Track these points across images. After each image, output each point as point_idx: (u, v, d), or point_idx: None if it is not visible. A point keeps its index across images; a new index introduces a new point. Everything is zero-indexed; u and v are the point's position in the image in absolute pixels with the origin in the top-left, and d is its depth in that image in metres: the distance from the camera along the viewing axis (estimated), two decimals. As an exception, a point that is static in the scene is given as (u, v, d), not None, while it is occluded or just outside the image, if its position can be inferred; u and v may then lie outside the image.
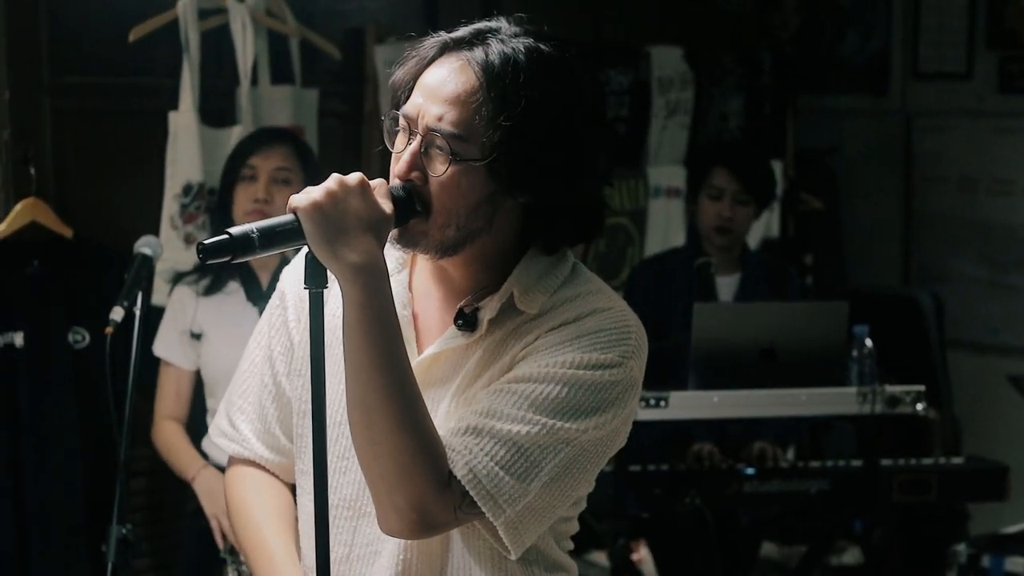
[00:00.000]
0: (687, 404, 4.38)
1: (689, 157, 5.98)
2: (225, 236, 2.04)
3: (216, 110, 4.79)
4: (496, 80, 2.14)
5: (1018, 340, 6.80)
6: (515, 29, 2.23)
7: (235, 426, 2.52)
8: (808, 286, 6.27)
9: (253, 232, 2.05)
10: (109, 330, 3.52)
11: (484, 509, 2.12)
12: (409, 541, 2.25)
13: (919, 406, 4.48)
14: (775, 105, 6.73)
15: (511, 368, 2.21)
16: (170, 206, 4.67)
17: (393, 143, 2.24)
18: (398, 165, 2.20)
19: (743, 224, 4.97)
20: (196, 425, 4.39)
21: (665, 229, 6.16)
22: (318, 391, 2.07)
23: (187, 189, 4.67)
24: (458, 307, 2.26)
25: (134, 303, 3.56)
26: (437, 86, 2.18)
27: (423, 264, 2.34)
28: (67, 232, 4.39)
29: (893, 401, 4.46)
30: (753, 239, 6.07)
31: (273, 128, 4.68)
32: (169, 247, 4.45)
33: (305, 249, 2.10)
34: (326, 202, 2.06)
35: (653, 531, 4.96)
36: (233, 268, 4.31)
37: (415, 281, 2.36)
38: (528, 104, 2.13)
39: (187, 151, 4.67)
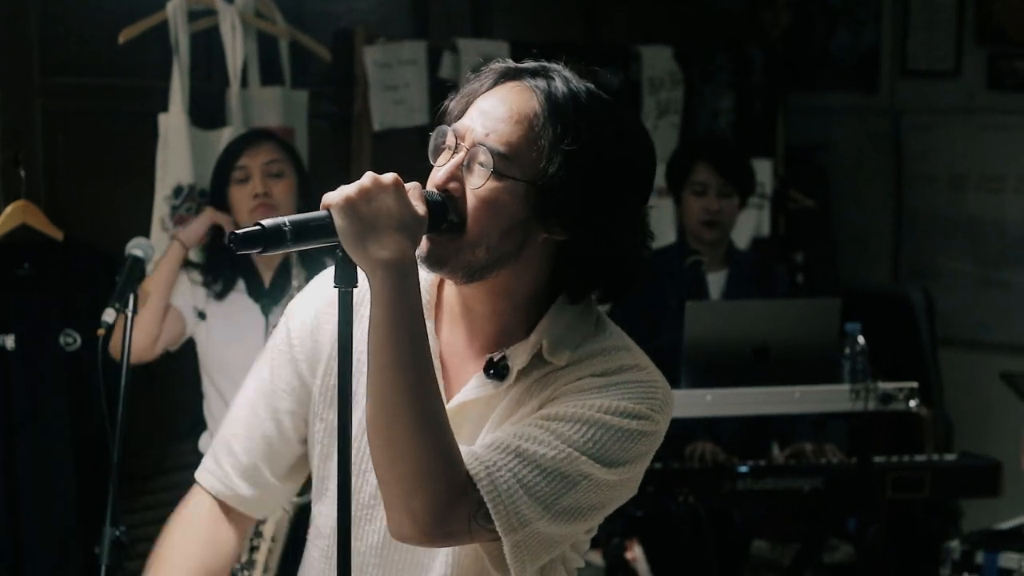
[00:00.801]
0: (680, 403, 4.29)
1: (671, 156, 5.98)
2: (257, 227, 2.01)
3: (206, 112, 4.79)
4: (558, 109, 2.13)
5: (1009, 337, 6.80)
6: (574, 73, 2.22)
7: (218, 461, 2.46)
8: (797, 284, 6.26)
9: (285, 225, 2.02)
10: (101, 332, 3.52)
11: (497, 523, 2.09)
12: None
13: (912, 403, 4.48)
14: (765, 103, 6.74)
15: (539, 410, 2.20)
16: (160, 208, 4.66)
17: (436, 158, 2.21)
18: (438, 175, 2.17)
19: (730, 216, 5.00)
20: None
21: (656, 228, 6.08)
22: (344, 402, 2.04)
23: (177, 191, 4.67)
24: (487, 357, 2.25)
25: (126, 305, 3.57)
26: (492, 107, 2.17)
27: (448, 307, 2.32)
28: (58, 234, 4.39)
29: (886, 398, 4.46)
30: (744, 237, 6.08)
31: (255, 129, 4.70)
32: (160, 249, 4.44)
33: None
34: (359, 198, 2.04)
35: (647, 530, 4.95)
36: (237, 267, 4.32)
37: (441, 327, 2.33)
38: (585, 140, 2.12)
39: (177, 153, 4.66)
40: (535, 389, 2.23)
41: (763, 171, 6.26)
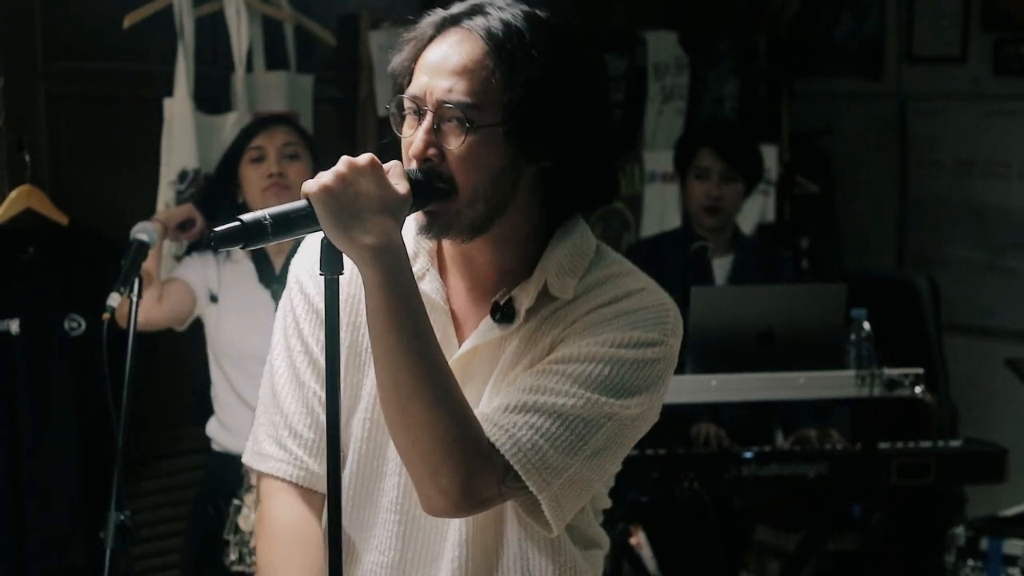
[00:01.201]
0: (685, 388, 4.37)
1: (677, 142, 5.97)
2: (237, 223, 2.00)
3: (211, 96, 4.78)
4: (502, 44, 2.13)
5: (1014, 323, 6.79)
6: (508, 1, 2.21)
7: (285, 447, 2.33)
8: (802, 270, 6.26)
9: (266, 219, 2.02)
10: (106, 316, 3.53)
11: (528, 482, 2.10)
12: (463, 540, 2.24)
13: (918, 389, 4.48)
14: (770, 89, 6.72)
15: (550, 352, 2.19)
16: (165, 193, 4.66)
17: (401, 129, 2.20)
18: (412, 147, 2.16)
19: (732, 203, 4.98)
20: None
21: (661, 214, 6.15)
22: (332, 386, 2.04)
23: (182, 176, 4.66)
24: (492, 300, 2.24)
25: (131, 289, 3.57)
26: (441, 61, 2.15)
27: (449, 258, 2.30)
28: (62, 219, 4.39)
29: (892, 384, 4.46)
30: (749, 223, 6.06)
31: (270, 114, 4.68)
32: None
33: (310, 237, 2.07)
34: (336, 185, 2.02)
35: (652, 515, 4.95)
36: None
37: (446, 276, 2.31)
38: (538, 66, 2.12)
39: (182, 138, 4.66)
40: (545, 328, 2.22)
41: (768, 157, 6.23)
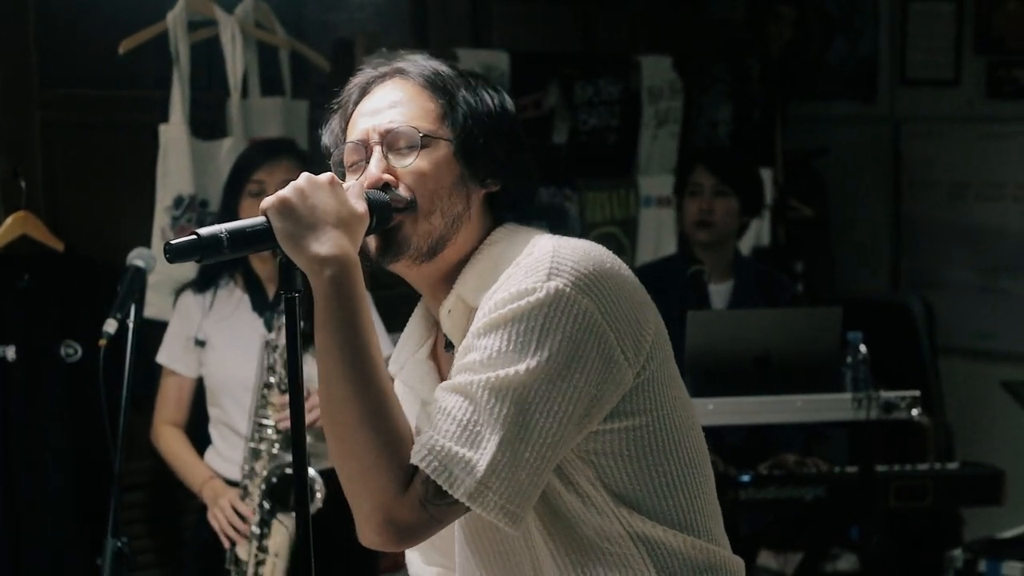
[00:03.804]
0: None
1: (678, 166, 5.98)
2: (193, 236, 2.02)
3: (206, 122, 4.79)
4: (434, 82, 2.22)
5: (1010, 345, 6.80)
6: (423, 56, 2.30)
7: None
8: (797, 294, 6.26)
9: (223, 233, 2.03)
10: (103, 342, 3.53)
11: (443, 484, 2.03)
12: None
13: (914, 411, 4.47)
14: (764, 112, 6.73)
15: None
16: (161, 218, 4.66)
17: (356, 175, 2.22)
18: (368, 179, 2.18)
19: (724, 217, 4.97)
20: (198, 433, 4.39)
21: (656, 238, 6.15)
22: (295, 398, 2.07)
23: (178, 201, 4.66)
24: (442, 336, 2.28)
25: (127, 315, 3.57)
26: (378, 103, 2.24)
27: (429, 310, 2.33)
28: (58, 245, 4.39)
29: (888, 407, 4.45)
30: (744, 247, 6.06)
31: (272, 140, 4.68)
32: (161, 260, 4.41)
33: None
34: (294, 197, 2.05)
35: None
36: (235, 274, 4.30)
37: (439, 347, 2.33)
38: (466, 97, 2.21)
39: (178, 163, 4.66)
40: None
41: (763, 180, 6.26)
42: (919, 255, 7.16)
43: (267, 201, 2.06)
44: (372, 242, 2.18)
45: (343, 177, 2.22)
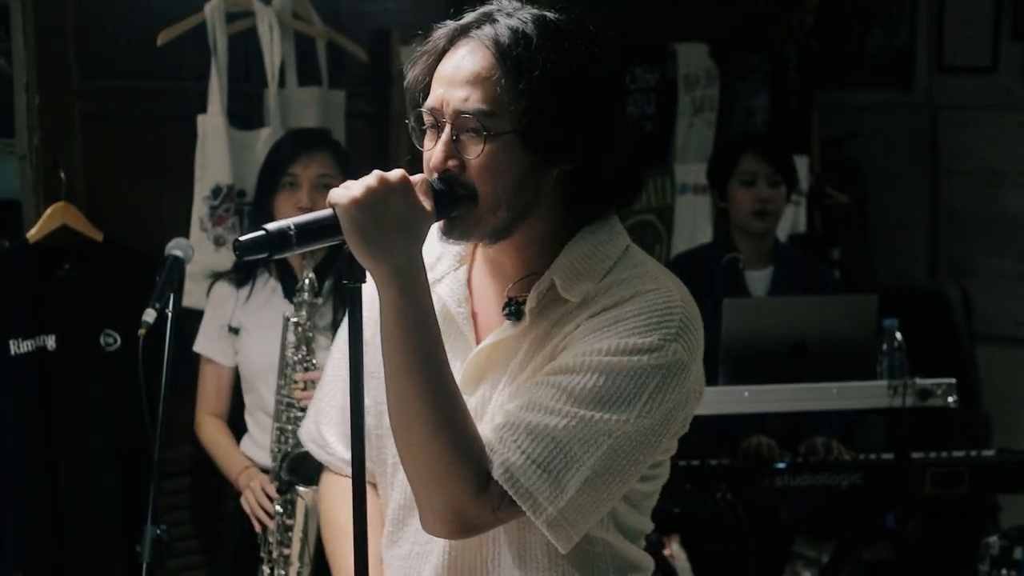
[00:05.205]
0: (718, 399, 4.37)
1: (714, 152, 5.96)
2: (262, 232, 2.02)
3: (244, 113, 4.80)
4: (508, 52, 2.14)
5: (1047, 333, 6.78)
6: (516, 4, 2.23)
7: (321, 434, 2.50)
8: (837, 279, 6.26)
9: (291, 228, 2.03)
10: (142, 332, 3.55)
11: (524, 508, 2.08)
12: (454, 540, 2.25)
13: (950, 399, 4.47)
14: (800, 101, 6.72)
15: (553, 358, 2.17)
16: (199, 208, 4.68)
17: (423, 142, 2.22)
18: (432, 160, 2.17)
19: (779, 207, 4.96)
20: (234, 421, 4.42)
21: (692, 226, 6.15)
22: (356, 388, 2.05)
23: (216, 191, 4.69)
24: (508, 298, 2.25)
25: (166, 304, 3.59)
26: (454, 72, 2.17)
27: (481, 258, 2.33)
28: (97, 235, 4.41)
29: (924, 394, 4.45)
30: (780, 234, 6.06)
31: (309, 131, 4.70)
32: (199, 249, 4.47)
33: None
34: (365, 199, 2.03)
35: (685, 526, 4.95)
36: (271, 265, 4.33)
37: (474, 277, 2.34)
38: (544, 69, 2.12)
39: (216, 154, 4.68)
40: (555, 330, 2.21)
41: (799, 168, 6.24)
42: (956, 243, 7.14)
43: (336, 195, 2.05)
44: (436, 224, 2.18)
45: (420, 120, 2.21)
